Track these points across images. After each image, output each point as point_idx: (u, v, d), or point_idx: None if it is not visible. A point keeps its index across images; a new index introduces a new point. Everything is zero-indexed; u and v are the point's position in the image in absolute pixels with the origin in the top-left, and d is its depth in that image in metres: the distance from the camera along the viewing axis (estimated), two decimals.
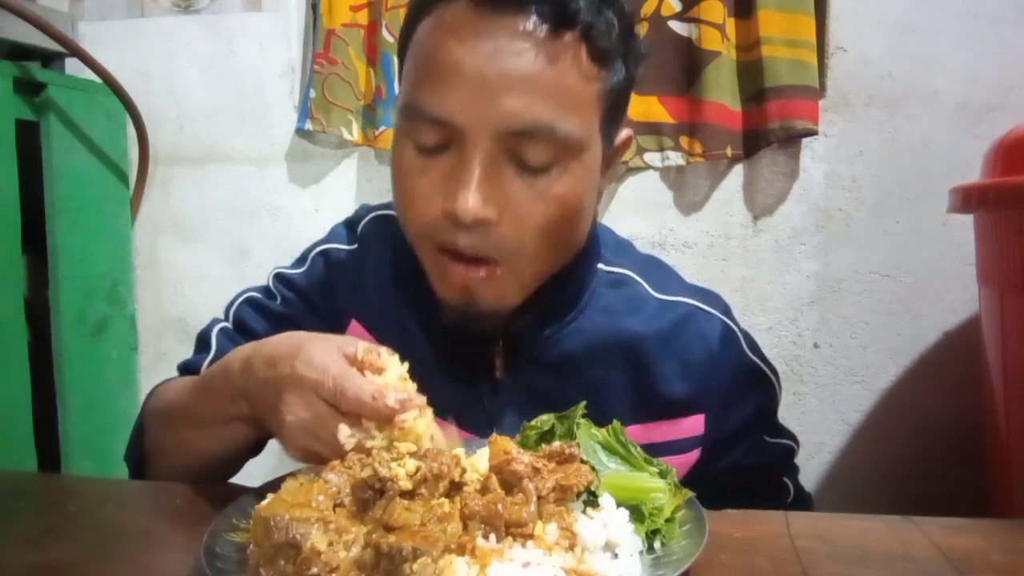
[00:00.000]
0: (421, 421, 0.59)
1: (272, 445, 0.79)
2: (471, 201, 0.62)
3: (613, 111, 0.70)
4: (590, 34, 0.65)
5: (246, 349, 0.67)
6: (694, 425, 0.78)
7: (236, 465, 0.78)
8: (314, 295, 0.84)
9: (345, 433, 0.57)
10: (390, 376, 0.60)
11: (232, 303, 0.86)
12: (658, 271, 0.84)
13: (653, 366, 0.77)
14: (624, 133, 0.76)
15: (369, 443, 0.57)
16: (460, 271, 0.67)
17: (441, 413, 0.80)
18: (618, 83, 0.69)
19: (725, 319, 0.81)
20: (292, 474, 0.60)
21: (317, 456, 0.60)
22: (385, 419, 0.57)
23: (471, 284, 0.67)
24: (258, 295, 0.86)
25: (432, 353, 0.78)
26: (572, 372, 0.77)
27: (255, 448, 0.77)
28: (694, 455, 0.79)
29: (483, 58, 0.62)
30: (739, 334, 0.81)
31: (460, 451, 0.57)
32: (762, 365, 0.81)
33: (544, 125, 0.63)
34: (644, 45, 0.73)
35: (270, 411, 0.62)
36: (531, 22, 0.62)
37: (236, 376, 0.66)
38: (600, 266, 0.81)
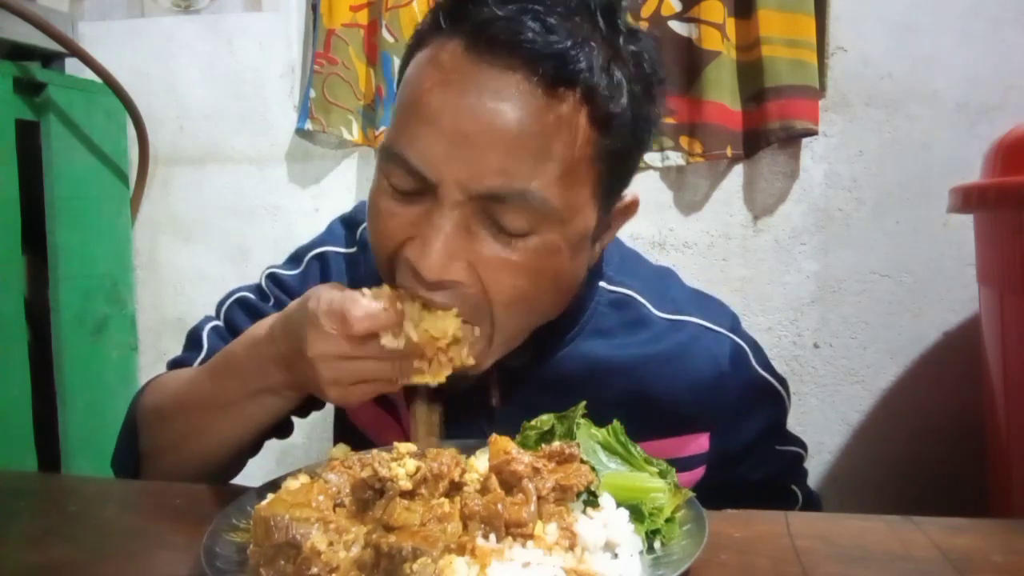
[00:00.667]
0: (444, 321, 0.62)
1: (271, 445, 0.80)
2: (434, 261, 0.59)
3: (613, 176, 0.65)
4: (593, 97, 0.59)
5: (268, 319, 0.69)
6: (700, 443, 0.76)
7: (239, 464, 0.77)
8: None
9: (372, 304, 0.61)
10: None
11: (224, 302, 0.85)
12: (662, 287, 0.80)
13: (656, 387, 0.74)
14: (629, 197, 0.70)
15: (408, 329, 0.61)
16: None
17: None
18: (622, 149, 0.63)
19: (733, 337, 0.77)
20: (292, 474, 0.60)
21: (354, 389, 0.63)
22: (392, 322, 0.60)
23: None
24: (250, 295, 0.84)
25: None
26: (571, 394, 0.72)
27: (256, 447, 0.77)
28: (699, 472, 0.77)
29: (466, 110, 0.58)
30: (748, 350, 0.78)
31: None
32: (771, 379, 0.79)
33: (516, 192, 0.58)
34: (664, 108, 0.67)
35: (298, 359, 0.63)
36: (526, 75, 0.57)
37: (264, 343, 0.67)
38: (602, 285, 0.77)
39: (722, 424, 0.76)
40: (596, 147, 0.61)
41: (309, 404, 0.77)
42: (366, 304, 0.60)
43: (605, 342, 0.75)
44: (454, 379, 0.65)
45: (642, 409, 0.74)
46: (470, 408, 0.75)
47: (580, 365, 0.74)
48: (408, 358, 0.62)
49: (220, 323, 0.84)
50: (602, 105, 0.60)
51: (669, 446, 0.75)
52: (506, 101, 0.57)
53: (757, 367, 0.78)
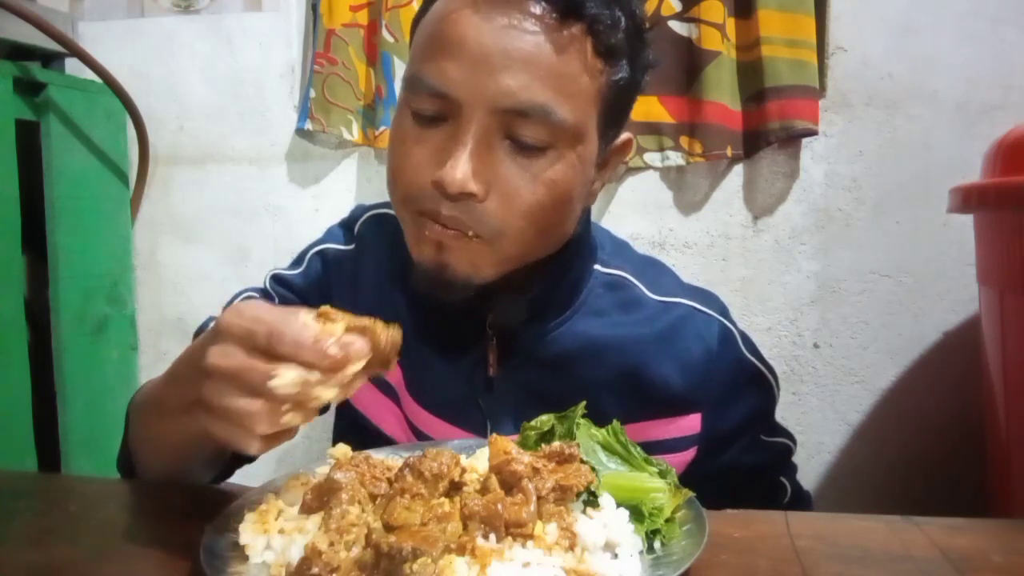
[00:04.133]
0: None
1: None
2: (459, 172, 0.63)
3: (613, 110, 0.70)
4: (596, 28, 0.65)
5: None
6: (691, 424, 0.78)
7: (210, 468, 0.74)
8: (312, 294, 0.84)
9: (289, 377, 0.49)
10: (338, 330, 0.53)
11: (231, 302, 0.85)
12: (655, 272, 0.84)
13: (649, 366, 0.77)
14: (624, 136, 0.76)
15: (315, 389, 0.50)
16: (436, 229, 0.66)
17: (435, 410, 0.80)
18: (621, 82, 0.69)
19: (723, 320, 0.81)
20: (293, 475, 0.60)
21: (235, 425, 0.51)
22: (326, 366, 0.50)
23: (444, 242, 0.67)
24: (255, 294, 0.85)
25: (427, 350, 0.79)
26: (566, 371, 0.77)
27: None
28: (690, 454, 0.79)
29: (487, 35, 0.63)
30: (737, 335, 0.81)
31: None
32: (760, 366, 0.81)
33: (539, 106, 0.64)
34: (654, 55, 0.73)
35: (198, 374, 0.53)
36: (540, 7, 0.64)
37: (197, 353, 0.57)
38: (597, 267, 0.81)
39: (712, 404, 0.78)
40: (600, 75, 0.67)
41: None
42: (298, 329, 0.51)
43: (600, 321, 0.78)
44: (453, 290, 0.69)
45: (635, 387, 0.77)
46: (467, 377, 0.78)
47: (575, 342, 0.77)
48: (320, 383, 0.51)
49: None
50: (604, 37, 0.66)
51: (662, 426, 0.77)
52: (523, 25, 0.63)
53: (746, 352, 0.81)
